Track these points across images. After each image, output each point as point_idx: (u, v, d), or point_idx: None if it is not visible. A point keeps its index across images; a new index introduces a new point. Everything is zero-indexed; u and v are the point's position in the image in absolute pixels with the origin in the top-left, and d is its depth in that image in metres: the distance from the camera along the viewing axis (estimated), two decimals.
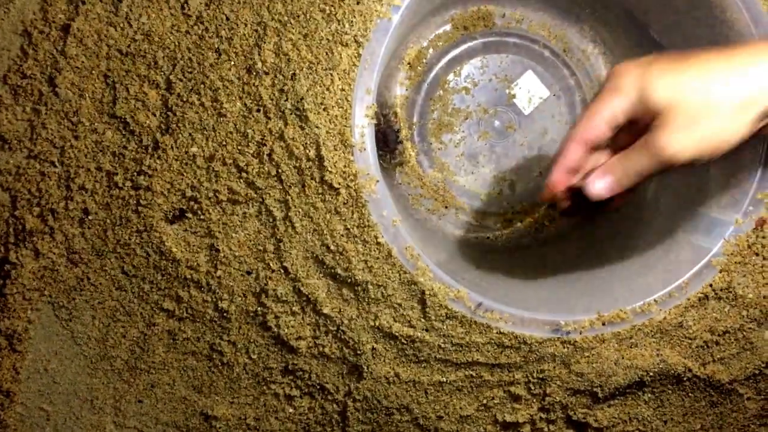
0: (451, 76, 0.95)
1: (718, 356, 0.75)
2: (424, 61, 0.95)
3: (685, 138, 0.58)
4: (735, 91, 0.57)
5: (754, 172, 0.71)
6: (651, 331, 0.72)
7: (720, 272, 0.71)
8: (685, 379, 0.75)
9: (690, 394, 0.77)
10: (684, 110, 0.57)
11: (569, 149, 0.64)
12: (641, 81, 0.59)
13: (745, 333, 0.74)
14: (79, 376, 0.79)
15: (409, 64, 0.95)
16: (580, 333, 0.71)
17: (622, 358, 0.73)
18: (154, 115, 0.71)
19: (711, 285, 0.71)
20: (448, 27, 0.95)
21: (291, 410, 0.79)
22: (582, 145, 0.63)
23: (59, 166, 0.73)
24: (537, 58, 0.96)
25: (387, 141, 0.93)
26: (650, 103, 0.58)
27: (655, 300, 0.71)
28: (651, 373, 0.74)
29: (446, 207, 0.97)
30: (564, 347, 0.72)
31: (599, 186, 0.63)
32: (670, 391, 0.77)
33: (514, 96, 0.95)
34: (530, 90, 0.95)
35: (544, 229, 0.97)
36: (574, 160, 0.65)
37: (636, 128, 0.62)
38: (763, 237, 0.71)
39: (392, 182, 0.94)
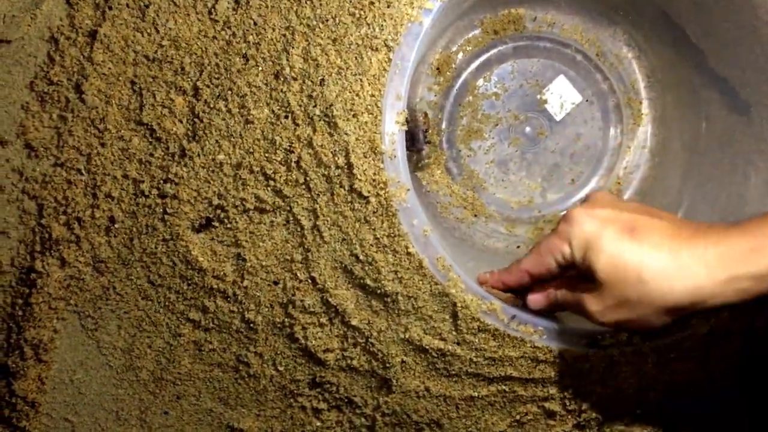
0: (480, 81, 0.93)
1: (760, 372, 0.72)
2: (453, 66, 0.93)
3: (611, 313, 0.61)
4: (671, 296, 0.57)
5: None
6: (693, 345, 0.70)
7: None
8: (725, 394, 0.73)
9: (727, 408, 0.74)
10: (618, 293, 0.59)
11: (514, 274, 0.69)
12: (589, 243, 0.61)
13: None
14: (105, 387, 0.78)
15: (437, 69, 0.93)
16: (619, 348, 0.68)
17: (662, 372, 0.70)
18: (181, 122, 0.70)
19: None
20: (477, 31, 0.93)
21: (318, 423, 0.78)
22: (528, 275, 0.68)
23: (86, 174, 0.72)
24: (569, 63, 0.93)
25: (414, 141, 0.91)
26: (590, 268, 0.60)
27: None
28: (692, 389, 0.71)
29: (476, 215, 0.95)
30: (601, 362, 0.70)
31: (537, 305, 0.69)
32: (707, 407, 0.74)
33: (545, 101, 0.93)
34: (562, 95, 0.93)
35: None
36: (516, 284, 0.70)
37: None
38: None
39: (420, 190, 0.92)
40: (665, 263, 0.57)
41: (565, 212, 0.64)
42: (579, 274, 0.64)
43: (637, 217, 0.60)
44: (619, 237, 0.59)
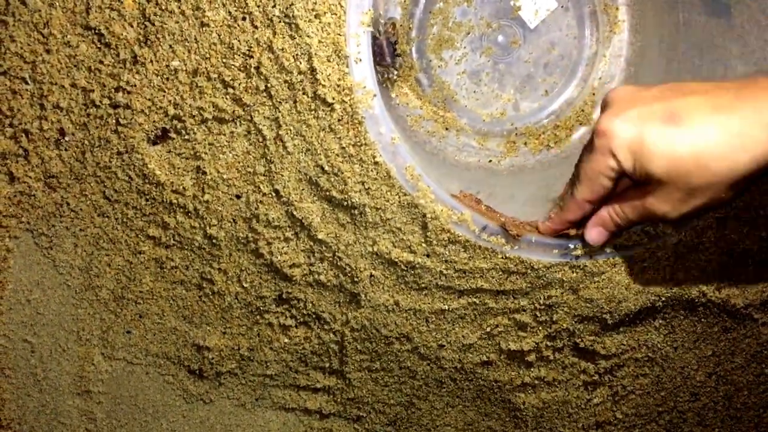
0: None
1: (735, 280, 0.71)
2: None
3: (682, 207, 0.58)
4: (737, 170, 0.54)
5: None
6: (665, 254, 0.69)
7: None
8: (698, 304, 0.72)
9: (703, 320, 0.74)
10: (683, 186, 0.56)
11: (574, 209, 0.64)
12: (635, 150, 0.56)
13: (763, 255, 0.70)
14: (64, 307, 0.76)
15: None
16: (591, 257, 0.67)
17: (634, 282, 0.69)
18: (131, 26, 0.65)
19: (731, 204, 0.67)
20: None
21: (286, 340, 0.76)
22: (585, 205, 0.64)
23: (31, 83, 0.67)
24: None
25: (383, 54, 0.86)
26: (646, 173, 0.57)
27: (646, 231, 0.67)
28: (663, 298, 0.71)
29: (447, 129, 0.92)
30: (573, 272, 0.68)
31: (594, 237, 0.65)
32: (682, 317, 0.74)
33: (519, 8, 0.89)
34: (537, 1, 0.89)
35: (550, 151, 0.93)
36: (577, 217, 0.65)
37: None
38: None
39: (390, 102, 0.89)
40: (720, 139, 0.54)
41: (595, 125, 0.59)
42: (634, 182, 0.60)
43: (669, 102, 0.56)
44: (662, 131, 0.55)
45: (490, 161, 0.92)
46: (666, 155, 0.55)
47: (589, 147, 0.60)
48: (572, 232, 0.67)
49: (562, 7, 0.89)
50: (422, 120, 0.91)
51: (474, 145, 0.93)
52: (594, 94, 0.92)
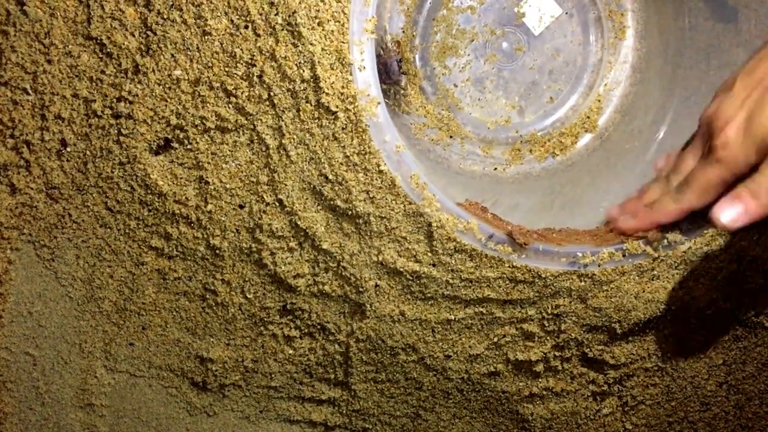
0: None
1: (745, 288, 0.70)
2: None
3: None
4: None
5: None
6: (674, 262, 0.68)
7: None
8: (708, 312, 0.71)
9: (713, 329, 0.73)
10: None
11: (670, 213, 0.62)
12: (756, 151, 0.55)
13: None
14: (66, 319, 0.75)
15: None
16: (599, 265, 0.66)
17: (643, 291, 0.68)
18: (133, 36, 0.65)
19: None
20: None
21: (291, 351, 0.75)
22: (688, 212, 0.61)
23: (32, 94, 0.67)
24: None
25: (389, 72, 0.86)
26: None
27: (680, 229, 0.66)
28: (673, 307, 0.70)
29: (451, 137, 0.91)
30: (581, 281, 0.67)
31: (728, 216, 0.57)
32: (692, 326, 0.73)
33: (523, 15, 0.88)
34: (541, 8, 0.88)
35: (555, 158, 0.92)
36: (671, 221, 0.64)
37: None
38: None
39: (394, 111, 0.88)
40: None
41: (718, 139, 0.57)
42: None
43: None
44: None
45: (495, 169, 0.91)
46: None
47: (709, 158, 0.58)
48: (652, 234, 0.66)
49: (566, 13, 0.89)
50: (426, 128, 0.90)
51: (479, 153, 0.92)
52: (599, 101, 0.91)
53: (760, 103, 0.55)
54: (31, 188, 0.69)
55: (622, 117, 0.90)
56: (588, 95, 0.91)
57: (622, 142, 0.90)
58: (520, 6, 0.88)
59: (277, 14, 0.61)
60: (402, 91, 0.87)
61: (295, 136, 0.64)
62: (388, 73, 0.86)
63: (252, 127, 0.65)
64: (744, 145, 0.56)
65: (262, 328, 0.75)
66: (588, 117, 0.91)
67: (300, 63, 0.62)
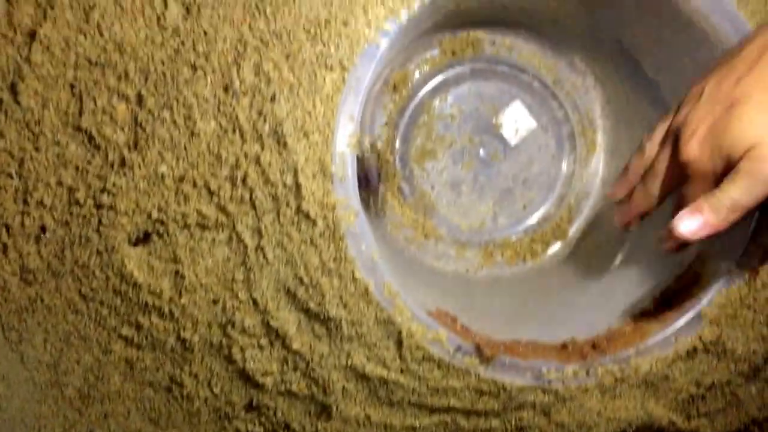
0: (436, 102, 0.92)
1: (704, 410, 0.72)
2: (410, 84, 0.92)
3: None
4: None
5: (749, 221, 0.68)
6: (636, 382, 0.69)
7: (710, 324, 0.68)
8: None
9: None
10: None
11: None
12: (722, 164, 0.55)
13: (732, 388, 0.71)
14: (27, 403, 0.74)
15: (394, 85, 0.91)
16: (563, 382, 0.68)
17: (605, 409, 0.70)
18: (122, 130, 0.67)
19: (700, 337, 0.68)
20: (435, 51, 0.91)
21: None
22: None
23: (16, 179, 0.68)
24: (526, 88, 0.93)
25: (369, 182, 0.89)
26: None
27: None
28: (634, 426, 0.71)
29: (425, 237, 0.93)
30: (545, 396, 0.69)
31: (688, 227, 0.58)
32: None
33: (500, 126, 0.92)
34: (517, 120, 0.92)
35: (526, 263, 0.94)
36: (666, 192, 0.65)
37: None
38: (756, 290, 0.68)
39: (371, 210, 0.90)
40: None
41: (685, 153, 0.57)
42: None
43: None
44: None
45: (467, 271, 0.93)
46: None
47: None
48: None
49: (541, 127, 0.93)
50: (402, 227, 0.92)
51: (452, 254, 0.94)
52: (570, 211, 0.94)
53: (723, 117, 0.55)
54: (6, 271, 0.70)
55: (591, 230, 0.93)
56: (560, 205, 0.94)
57: (590, 251, 0.92)
58: (498, 117, 0.92)
59: (265, 123, 0.64)
60: (380, 197, 0.89)
61: (273, 238, 0.66)
62: (368, 182, 0.88)
63: (232, 226, 0.66)
64: (711, 159, 0.56)
65: (226, 422, 0.74)
66: (559, 226, 0.94)
67: (283, 170, 0.64)
